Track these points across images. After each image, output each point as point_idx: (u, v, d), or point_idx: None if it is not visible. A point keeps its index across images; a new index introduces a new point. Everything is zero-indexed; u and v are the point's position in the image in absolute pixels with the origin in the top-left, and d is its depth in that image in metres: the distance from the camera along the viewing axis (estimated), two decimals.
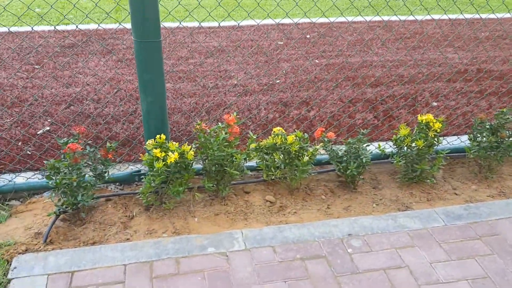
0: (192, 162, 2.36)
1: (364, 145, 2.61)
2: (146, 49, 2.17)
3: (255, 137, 2.45)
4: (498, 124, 2.68)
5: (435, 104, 3.61)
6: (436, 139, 2.58)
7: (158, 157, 2.21)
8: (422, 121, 2.56)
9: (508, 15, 5.78)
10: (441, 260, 2.19)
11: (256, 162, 2.63)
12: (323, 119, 3.40)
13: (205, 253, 2.21)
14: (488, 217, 2.48)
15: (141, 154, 2.43)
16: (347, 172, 2.50)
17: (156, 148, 2.25)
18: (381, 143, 3.04)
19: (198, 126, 2.36)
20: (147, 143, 2.30)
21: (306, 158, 2.46)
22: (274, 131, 2.56)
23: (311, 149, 2.54)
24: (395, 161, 2.67)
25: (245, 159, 2.47)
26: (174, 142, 2.30)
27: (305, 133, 2.60)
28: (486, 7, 6.18)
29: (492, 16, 5.73)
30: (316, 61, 4.36)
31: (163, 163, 2.18)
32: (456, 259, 2.19)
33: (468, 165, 2.98)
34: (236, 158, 2.34)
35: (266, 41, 4.86)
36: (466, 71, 4.19)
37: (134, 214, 2.47)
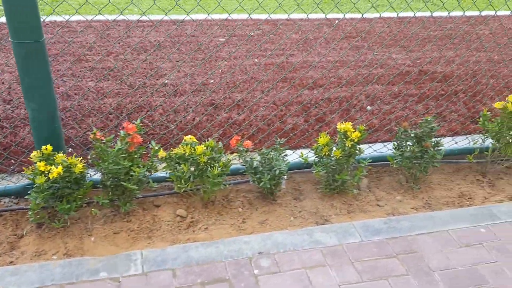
0: (85, 175, 2.14)
1: (282, 154, 2.45)
2: (25, 50, 1.91)
3: (157, 148, 2.24)
4: (423, 133, 2.56)
5: (369, 108, 3.49)
6: (355, 148, 2.44)
7: (41, 171, 1.97)
8: (340, 130, 2.41)
9: (459, 13, 5.76)
10: (351, 281, 2.05)
11: (166, 173, 2.42)
12: (253, 124, 3.22)
13: (96, 278, 1.99)
14: (409, 231, 2.37)
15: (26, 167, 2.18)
16: (261, 185, 2.33)
17: (41, 161, 2.01)
18: (307, 151, 2.89)
19: (92, 136, 2.13)
20: (32, 154, 2.06)
21: (217, 170, 2.27)
22: (184, 140, 2.36)
23: (224, 160, 2.35)
24: (315, 171, 2.52)
25: (148, 170, 2.26)
26: (62, 154, 2.07)
27: (219, 142, 2.42)
28: (438, 3, 6.14)
29: (442, 14, 5.70)
30: (256, 60, 4.18)
31: (45, 178, 1.94)
32: (368, 280, 2.06)
33: (396, 173, 2.87)
34: (135, 172, 2.13)
35: (207, 38, 4.63)
36: (408, 73, 4.10)
37: (25, 232, 2.23)
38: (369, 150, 2.92)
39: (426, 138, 2.56)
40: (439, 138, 2.87)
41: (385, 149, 2.95)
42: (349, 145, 2.36)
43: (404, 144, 2.62)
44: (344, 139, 2.39)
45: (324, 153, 2.43)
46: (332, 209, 2.54)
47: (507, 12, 5.89)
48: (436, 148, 2.58)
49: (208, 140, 2.34)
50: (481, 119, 2.75)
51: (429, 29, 5.23)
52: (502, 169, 2.96)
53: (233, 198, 2.58)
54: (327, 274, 2.08)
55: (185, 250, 2.18)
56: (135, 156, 2.22)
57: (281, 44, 4.56)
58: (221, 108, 3.38)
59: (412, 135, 2.59)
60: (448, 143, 3.03)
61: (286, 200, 2.60)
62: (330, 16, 5.47)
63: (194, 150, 2.26)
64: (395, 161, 2.61)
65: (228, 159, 2.33)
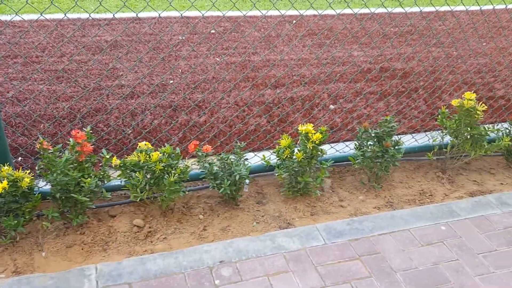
0: (33, 188, 2.00)
1: (242, 158, 2.38)
2: None
3: (109, 156, 2.12)
4: (383, 132, 2.56)
5: (332, 107, 3.48)
6: (317, 150, 2.41)
7: None
8: (302, 131, 2.37)
9: (417, 9, 5.85)
10: (314, 287, 2.02)
11: (121, 181, 2.31)
12: (214, 126, 3.14)
13: None
14: (371, 232, 2.36)
15: None
16: (221, 191, 2.26)
17: None
18: (269, 153, 2.84)
19: (39, 145, 2.00)
20: None
21: (174, 177, 2.18)
22: (139, 146, 2.25)
23: (182, 166, 2.26)
24: (277, 174, 2.47)
25: (100, 180, 2.15)
26: (8, 166, 1.93)
27: (177, 147, 2.32)
28: (397, 0, 6.22)
29: (401, 10, 5.77)
30: (217, 59, 4.09)
31: None
32: (331, 285, 2.03)
33: (358, 173, 2.87)
34: (85, 183, 2.01)
35: (166, 36, 4.50)
36: (370, 70, 4.12)
37: None
38: (331, 151, 2.90)
39: (387, 137, 2.56)
40: (399, 136, 2.89)
41: (347, 148, 2.94)
42: (311, 147, 2.32)
43: (365, 144, 2.61)
44: (306, 141, 2.35)
45: (285, 156, 2.38)
46: (296, 212, 2.50)
47: (464, 8, 6.03)
48: (396, 147, 2.58)
49: (166, 145, 2.25)
50: (439, 116, 2.78)
51: (389, 26, 5.28)
52: (462, 165, 3.01)
53: (193, 204, 2.50)
54: (290, 280, 2.04)
55: (142, 262, 2.09)
56: (86, 166, 2.10)
57: (243, 42, 4.49)
58: (180, 110, 3.28)
59: (373, 134, 2.58)
60: (408, 141, 3.06)
61: (249, 204, 2.54)
62: (292, 13, 5.43)
63: (149, 157, 2.17)
64: (356, 161, 2.59)
65: (186, 165, 2.24)
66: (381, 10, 5.73)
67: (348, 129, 3.24)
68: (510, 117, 2.88)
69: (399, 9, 5.82)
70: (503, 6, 6.04)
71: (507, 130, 2.88)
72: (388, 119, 2.54)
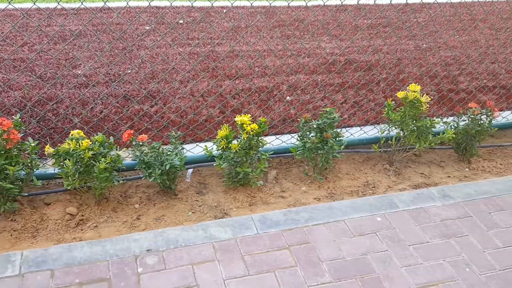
0: None
1: (179, 148, 2.38)
2: None
3: (34, 144, 2.12)
4: (324, 124, 2.55)
5: (289, 98, 3.47)
6: (255, 141, 2.40)
7: None
8: (238, 122, 2.36)
9: (396, 1, 5.80)
10: (237, 275, 2.02)
11: (54, 169, 2.31)
12: (165, 116, 3.13)
13: None
14: (306, 222, 2.36)
15: None
16: (150, 180, 2.26)
17: None
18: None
19: None
20: None
21: (104, 165, 2.18)
22: (71, 134, 2.25)
23: (113, 154, 2.26)
24: (216, 164, 2.47)
25: (30, 168, 2.15)
26: None
27: (111, 136, 2.32)
28: None
29: (380, 1, 5.72)
30: (180, 49, 4.07)
31: None
32: (254, 274, 2.03)
33: (306, 164, 2.86)
34: (10, 170, 2.01)
35: (133, 25, 4.48)
36: (334, 62, 4.10)
37: None
38: (277, 142, 2.90)
39: (328, 128, 2.55)
40: (347, 128, 2.88)
41: (293, 139, 2.93)
42: (245, 138, 2.32)
43: (307, 135, 2.61)
44: (241, 132, 2.35)
45: (221, 146, 2.38)
46: (234, 202, 2.50)
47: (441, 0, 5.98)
48: (337, 139, 2.58)
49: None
50: (385, 109, 2.77)
51: (362, 17, 5.25)
52: (411, 157, 3.00)
53: (131, 194, 2.50)
54: (214, 269, 2.04)
55: (70, 249, 2.09)
56: (15, 154, 2.09)
57: (210, 33, 4.46)
58: (134, 99, 3.27)
59: (315, 126, 2.58)
60: (357, 133, 3.05)
61: (189, 194, 2.54)
62: (265, 3, 5.40)
63: (79, 145, 2.16)
64: (297, 152, 2.59)
65: (117, 154, 2.24)
66: (355, 1, 5.69)
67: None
68: (458, 109, 2.86)
69: (379, 1, 5.77)
70: None
71: (455, 123, 2.87)
72: (329, 110, 2.53)
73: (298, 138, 2.63)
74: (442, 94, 3.71)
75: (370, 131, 3.08)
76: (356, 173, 2.84)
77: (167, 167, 2.21)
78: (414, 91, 2.63)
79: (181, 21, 4.65)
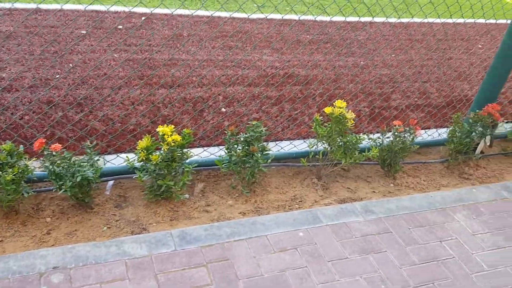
0: None
1: (95, 158, 2.27)
2: None
3: None
4: (251, 137, 2.53)
5: (223, 110, 3.43)
6: (177, 152, 2.33)
7: None
8: (159, 132, 2.29)
9: (341, 18, 5.95)
10: None
11: None
12: (90, 124, 3.00)
13: None
14: (227, 238, 2.31)
15: None
16: (60, 192, 2.14)
17: None
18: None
19: None
20: None
21: (10, 176, 2.03)
22: None
23: (22, 165, 2.12)
24: (136, 176, 2.38)
25: None
26: None
27: (21, 145, 2.18)
28: (321, 8, 6.31)
29: (325, 18, 5.85)
30: (115, 55, 3.94)
31: None
32: None
33: (233, 177, 2.83)
34: None
35: (68, 29, 4.29)
36: (274, 75, 4.12)
37: None
38: (206, 153, 2.85)
39: (255, 142, 2.53)
40: (278, 141, 2.88)
41: (223, 152, 2.89)
42: (165, 149, 2.25)
43: (234, 147, 2.57)
44: (162, 143, 2.28)
45: (141, 158, 2.29)
46: (155, 217, 2.41)
47: (383, 19, 6.21)
48: (264, 152, 2.56)
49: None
50: (313, 123, 2.79)
51: (305, 32, 5.33)
52: (339, 172, 3.04)
53: (44, 206, 2.35)
54: None
55: None
56: None
57: (150, 40, 4.36)
58: (58, 106, 3.11)
59: (242, 139, 2.55)
60: (288, 146, 3.06)
61: (106, 207, 2.42)
62: (215, 14, 5.37)
63: None
64: (223, 165, 2.55)
65: (25, 164, 2.10)
66: (304, 17, 5.79)
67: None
68: (382, 127, 2.94)
69: (321, 17, 5.89)
70: (419, 20, 6.28)
71: (380, 140, 2.94)
72: (255, 123, 2.51)
73: (225, 151, 2.59)
74: (374, 110, 3.81)
75: (301, 145, 3.09)
76: (285, 187, 2.84)
77: (78, 179, 2.09)
78: (340, 107, 2.67)
79: (120, 27, 4.52)
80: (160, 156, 2.28)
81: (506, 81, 3.21)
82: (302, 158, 2.96)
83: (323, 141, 2.80)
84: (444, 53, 5.33)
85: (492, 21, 6.83)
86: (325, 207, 2.67)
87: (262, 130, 2.53)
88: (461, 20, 6.70)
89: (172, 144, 2.24)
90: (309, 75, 4.26)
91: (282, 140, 3.17)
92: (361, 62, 4.75)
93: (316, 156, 2.85)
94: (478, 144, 3.26)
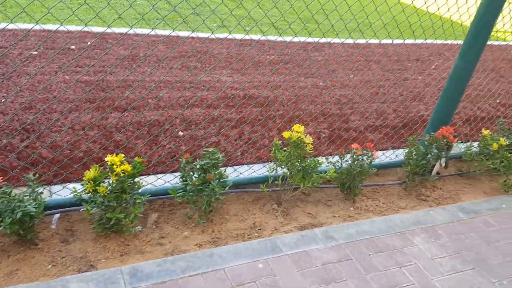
0: None
1: (37, 191, 2.11)
2: None
3: None
4: (207, 165, 2.44)
5: (181, 133, 3.33)
6: (127, 183, 2.21)
7: None
8: (108, 162, 2.16)
9: (299, 39, 6.01)
10: None
11: None
12: (36, 152, 2.82)
13: None
14: (182, 273, 2.19)
15: None
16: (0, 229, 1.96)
17: None
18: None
19: None
20: None
21: None
22: None
23: None
24: (84, 209, 2.23)
25: None
26: None
27: None
28: (282, 28, 6.36)
29: (284, 38, 5.88)
30: (66, 77, 3.77)
31: None
32: None
33: (189, 207, 2.71)
34: None
35: (16, 50, 4.08)
36: (234, 97, 4.06)
37: None
38: (160, 182, 2.73)
39: (211, 169, 2.44)
40: (237, 166, 2.80)
41: (178, 179, 2.78)
42: (114, 180, 2.12)
43: (190, 175, 2.47)
44: (110, 174, 2.15)
45: (87, 190, 2.15)
46: (104, 252, 2.26)
47: (339, 40, 6.33)
48: (221, 180, 2.47)
49: None
50: (273, 148, 2.74)
51: (265, 53, 5.34)
52: (300, 196, 2.99)
53: None
54: None
55: None
56: None
57: (104, 60, 4.21)
58: (3, 132, 2.91)
59: (198, 166, 2.45)
60: (247, 171, 2.99)
61: (52, 243, 2.25)
62: (168, 33, 5.28)
63: None
64: (178, 194, 2.44)
65: None
66: (264, 38, 5.80)
67: (193, 157, 3.09)
68: (340, 150, 2.93)
69: (281, 38, 5.93)
70: (376, 41, 6.45)
71: (339, 163, 2.93)
72: (212, 150, 2.43)
73: (180, 179, 2.49)
74: (334, 132, 3.82)
75: (260, 170, 3.03)
76: (245, 214, 2.75)
77: (19, 215, 1.93)
78: (298, 132, 2.63)
79: (73, 47, 4.34)
80: (109, 187, 2.15)
81: (460, 102, 3.29)
82: (262, 183, 2.90)
83: (282, 166, 2.75)
84: (400, 74, 5.47)
85: (446, 41, 7.12)
86: (285, 234, 2.60)
87: (219, 157, 2.45)
88: (419, 41, 6.94)
89: (122, 175, 2.12)
90: (269, 96, 4.23)
91: (241, 165, 3.10)
92: (321, 83, 4.78)
93: (276, 181, 2.79)
94: (434, 165, 3.31)
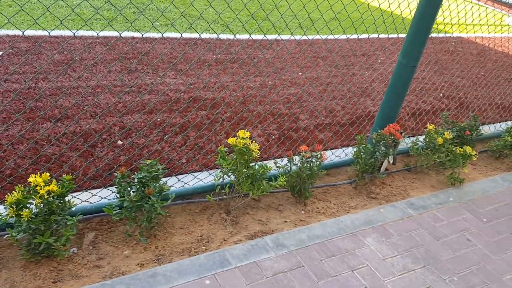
0: None
1: None
2: None
3: None
4: (146, 178, 2.27)
5: (120, 143, 3.12)
6: (55, 204, 2.00)
7: None
8: (32, 183, 1.95)
9: (244, 36, 5.89)
10: None
11: None
12: None
13: None
14: None
15: None
16: None
17: None
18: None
19: None
20: None
21: None
22: None
23: None
24: (8, 235, 2.00)
25: None
26: None
27: None
28: (224, 25, 6.22)
29: (230, 36, 5.74)
30: None
31: None
32: None
33: (131, 224, 2.53)
34: None
35: None
36: (178, 100, 3.88)
37: None
38: (96, 198, 2.52)
39: (150, 183, 2.28)
40: (182, 175, 2.64)
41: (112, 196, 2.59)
42: (38, 203, 1.91)
43: (127, 190, 2.29)
44: (34, 196, 1.93)
45: (10, 214, 1.93)
46: (35, 280, 2.04)
47: (288, 36, 6.29)
48: (162, 193, 2.31)
49: None
50: (218, 155, 2.61)
51: (211, 52, 5.18)
52: (250, 203, 2.88)
53: None
54: None
55: None
56: None
57: (36, 66, 3.90)
58: None
59: (136, 180, 2.28)
60: (193, 181, 2.84)
61: None
62: (107, 34, 5.00)
63: None
64: (114, 212, 2.25)
65: None
66: (208, 35, 5.63)
67: (132, 168, 2.90)
68: (289, 154, 2.84)
69: (226, 35, 5.78)
70: (324, 36, 6.45)
71: (288, 167, 2.84)
72: (149, 162, 2.26)
73: (117, 195, 2.30)
74: (284, 133, 3.74)
75: (207, 178, 2.89)
76: (191, 226, 2.61)
77: None
78: (244, 138, 2.51)
79: (0, 53, 3.99)
80: (35, 210, 1.93)
81: (405, 98, 3.30)
82: (209, 192, 2.77)
83: (229, 174, 2.62)
84: (347, 70, 5.49)
85: (391, 35, 7.25)
86: (235, 245, 2.48)
87: (158, 169, 2.29)
88: (364, 36, 7.03)
89: (46, 197, 1.91)
90: (216, 97, 4.09)
91: (187, 173, 2.94)
92: (269, 82, 4.69)
93: (222, 191, 2.66)
94: (382, 162, 3.30)
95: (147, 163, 2.24)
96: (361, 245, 2.65)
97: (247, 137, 2.52)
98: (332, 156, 3.47)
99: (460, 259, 2.68)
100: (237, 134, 2.53)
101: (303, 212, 2.91)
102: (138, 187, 2.27)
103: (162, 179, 2.44)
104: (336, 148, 3.67)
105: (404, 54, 3.01)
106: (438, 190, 3.36)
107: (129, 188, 2.30)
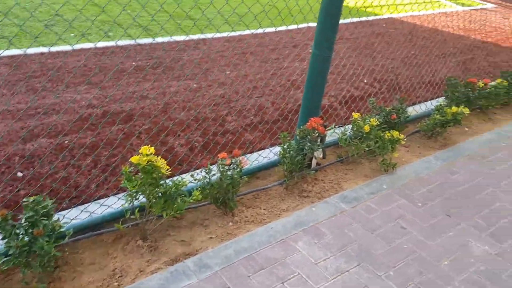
0: None
1: None
2: None
3: None
4: (33, 218, 1.98)
5: (20, 174, 2.79)
6: None
7: None
8: None
9: (165, 39, 5.59)
10: None
11: None
12: None
13: None
14: None
15: None
16: None
17: None
18: None
19: None
20: None
21: None
22: None
23: None
24: None
25: None
26: None
27: None
28: (152, 30, 5.88)
29: (148, 41, 5.43)
30: None
31: None
32: None
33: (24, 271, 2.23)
34: None
35: None
36: (89, 116, 3.56)
37: None
38: None
39: (39, 222, 1.99)
40: (87, 204, 2.36)
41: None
42: None
43: (16, 233, 1.99)
44: None
45: None
46: None
47: (217, 35, 6.05)
48: (57, 231, 2.03)
49: None
50: (123, 177, 2.35)
51: (131, 59, 4.86)
52: (171, 222, 2.64)
53: None
54: None
55: None
56: None
57: None
58: None
59: (24, 220, 1.98)
60: (100, 209, 2.56)
61: None
62: (11, 53, 4.57)
63: None
64: (1, 261, 1.95)
65: None
66: (127, 42, 5.29)
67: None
68: (204, 164, 2.63)
69: (145, 40, 5.46)
70: (252, 31, 6.26)
71: (207, 178, 2.62)
72: (34, 199, 1.97)
73: (2, 241, 1.99)
74: (210, 139, 3.51)
75: (118, 202, 2.61)
76: (103, 259, 2.33)
77: None
78: (147, 154, 2.26)
79: None
80: None
81: (324, 91, 3.16)
82: (120, 218, 2.50)
83: (138, 196, 2.36)
84: (278, 64, 5.33)
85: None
86: (152, 276, 2.24)
87: (47, 205, 2.00)
88: (293, 27, 6.90)
89: None
90: (134, 108, 3.79)
91: (91, 201, 2.65)
92: (194, 85, 4.45)
93: (132, 216, 2.40)
94: (311, 158, 3.16)
95: (32, 199, 1.95)
96: (291, 251, 2.48)
97: (151, 153, 2.27)
98: (260, 158, 3.28)
99: (395, 250, 2.57)
100: (140, 151, 2.28)
101: (231, 223, 2.70)
102: (26, 228, 1.98)
103: (62, 212, 2.16)
104: (264, 148, 3.49)
105: (315, 44, 2.86)
106: (371, 179, 3.25)
107: (18, 231, 2.00)
